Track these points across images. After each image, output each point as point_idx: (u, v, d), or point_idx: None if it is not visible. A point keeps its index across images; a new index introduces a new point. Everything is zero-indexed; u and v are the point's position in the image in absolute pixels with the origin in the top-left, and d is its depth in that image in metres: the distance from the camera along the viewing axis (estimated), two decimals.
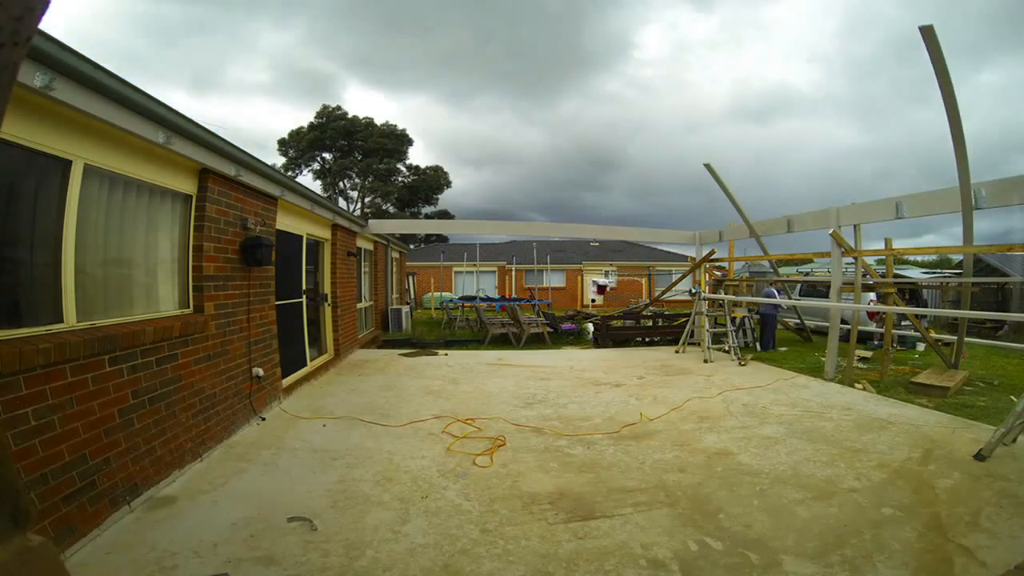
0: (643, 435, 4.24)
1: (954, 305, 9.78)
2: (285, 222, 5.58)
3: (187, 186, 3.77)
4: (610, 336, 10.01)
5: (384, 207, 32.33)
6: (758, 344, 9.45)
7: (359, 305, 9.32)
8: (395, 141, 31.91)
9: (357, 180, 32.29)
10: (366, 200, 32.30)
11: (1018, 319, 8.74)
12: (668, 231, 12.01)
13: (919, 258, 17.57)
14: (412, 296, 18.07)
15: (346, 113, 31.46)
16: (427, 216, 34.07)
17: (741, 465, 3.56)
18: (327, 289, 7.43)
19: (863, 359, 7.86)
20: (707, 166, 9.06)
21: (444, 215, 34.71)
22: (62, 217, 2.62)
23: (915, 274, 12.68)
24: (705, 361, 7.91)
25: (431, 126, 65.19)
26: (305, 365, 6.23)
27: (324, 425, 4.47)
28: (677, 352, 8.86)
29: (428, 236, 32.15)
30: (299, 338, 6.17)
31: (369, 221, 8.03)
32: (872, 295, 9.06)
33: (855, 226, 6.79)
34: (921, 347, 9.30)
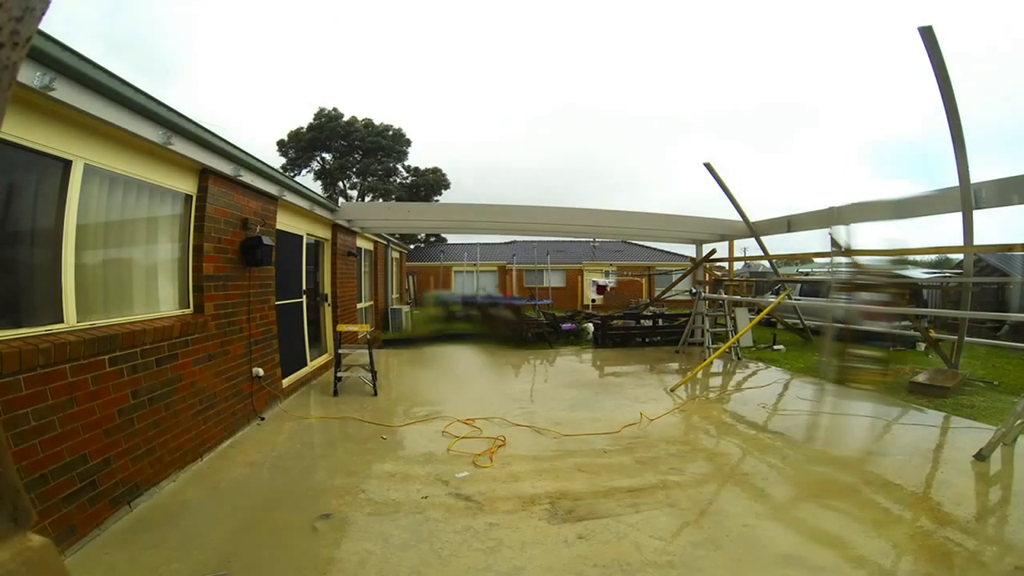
0: (643, 435, 4.24)
1: (954, 305, 9.77)
2: (285, 222, 5.58)
3: (187, 186, 3.77)
4: (610, 336, 10.00)
5: None
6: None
7: (359, 305, 9.31)
8: (391, 139, 32.07)
9: (356, 180, 32.35)
10: (366, 199, 32.37)
11: (1018, 319, 8.73)
12: (682, 216, 9.66)
13: (919, 258, 17.56)
14: (412, 296, 18.07)
15: (342, 115, 31.65)
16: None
17: (741, 465, 3.56)
18: (327, 289, 7.43)
19: (863, 359, 7.85)
20: (707, 165, 9.05)
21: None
22: (62, 217, 2.62)
23: (915, 274, 12.68)
24: None
25: None
26: (305, 365, 6.23)
27: (324, 425, 4.47)
28: (677, 352, 8.86)
29: (427, 237, 32.19)
30: (299, 338, 6.17)
31: (340, 204, 7.72)
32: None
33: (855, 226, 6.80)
34: (921, 347, 9.30)
